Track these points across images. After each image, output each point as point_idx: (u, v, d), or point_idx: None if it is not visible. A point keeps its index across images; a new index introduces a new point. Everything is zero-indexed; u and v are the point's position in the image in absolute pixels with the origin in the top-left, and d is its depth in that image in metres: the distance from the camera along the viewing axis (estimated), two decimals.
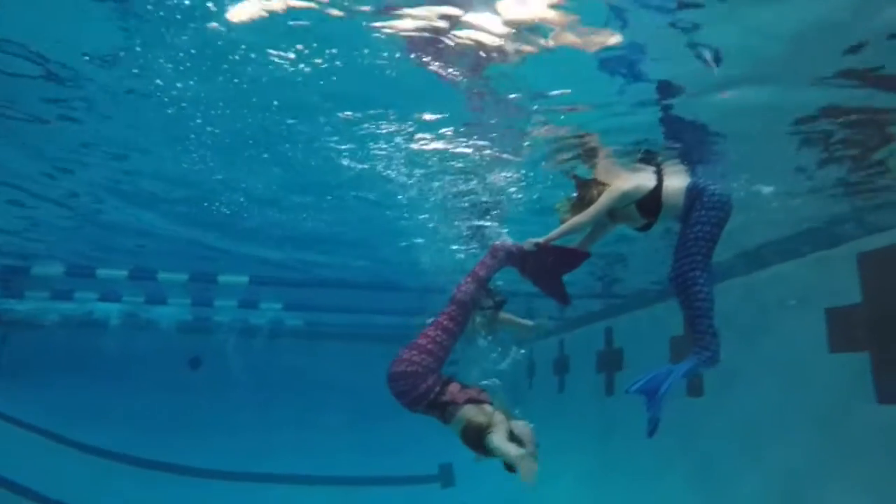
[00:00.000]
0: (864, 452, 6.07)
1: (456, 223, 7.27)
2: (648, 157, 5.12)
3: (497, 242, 4.42)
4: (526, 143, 5.15)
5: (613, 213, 4.46)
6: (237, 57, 4.07)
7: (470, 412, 3.63)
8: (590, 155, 5.22)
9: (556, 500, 10.19)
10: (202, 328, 17.30)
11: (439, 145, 5.25)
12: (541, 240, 4.31)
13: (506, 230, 7.11)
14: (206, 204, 7.59)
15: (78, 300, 13.49)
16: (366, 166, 5.82)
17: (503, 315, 4.68)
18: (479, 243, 7.58)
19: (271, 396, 17.74)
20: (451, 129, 4.97)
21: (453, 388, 3.75)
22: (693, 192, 4.13)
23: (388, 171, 5.88)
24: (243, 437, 16.31)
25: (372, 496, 15.19)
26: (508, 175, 5.86)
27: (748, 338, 7.63)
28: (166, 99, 4.77)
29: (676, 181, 4.36)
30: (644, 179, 4.40)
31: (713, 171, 5.17)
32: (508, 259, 4.31)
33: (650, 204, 4.29)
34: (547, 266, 4.46)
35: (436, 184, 6.15)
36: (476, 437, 3.57)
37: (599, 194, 4.40)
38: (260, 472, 15.31)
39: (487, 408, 3.70)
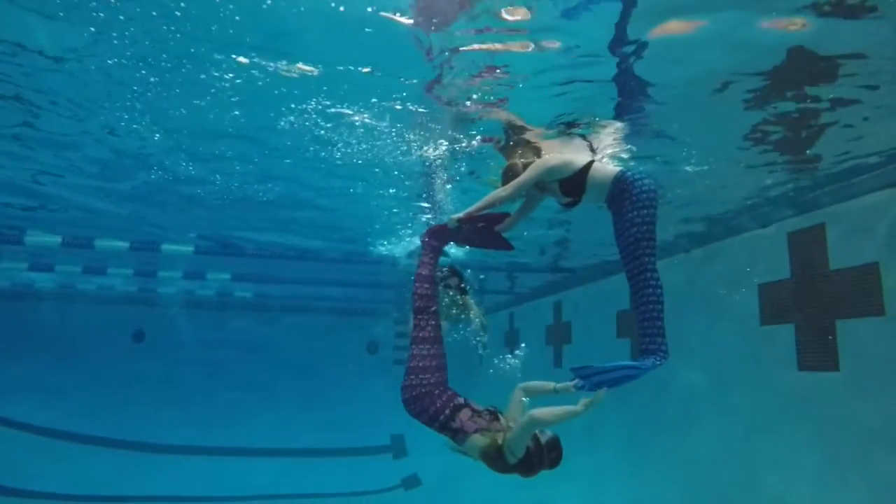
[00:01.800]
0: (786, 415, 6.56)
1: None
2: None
3: (422, 234, 4.42)
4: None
5: (542, 186, 4.46)
6: None
7: (481, 441, 3.63)
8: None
9: None
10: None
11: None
12: (461, 214, 4.32)
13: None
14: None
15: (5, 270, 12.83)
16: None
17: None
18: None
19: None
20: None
21: (463, 415, 3.72)
22: (621, 183, 4.06)
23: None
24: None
25: (325, 467, 15.26)
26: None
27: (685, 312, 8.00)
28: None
29: (607, 166, 4.32)
30: (576, 157, 4.37)
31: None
32: (440, 242, 4.39)
33: (574, 184, 4.28)
34: (479, 230, 4.57)
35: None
36: (497, 458, 3.58)
37: (525, 167, 4.40)
38: (210, 446, 15.14)
39: (498, 424, 3.72)
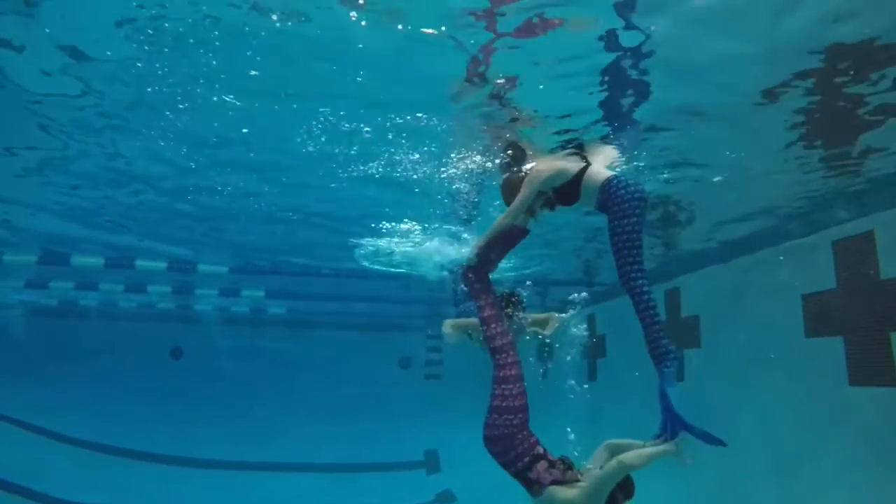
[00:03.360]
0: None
1: None
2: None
3: (457, 275, 4.45)
4: None
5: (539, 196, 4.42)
6: None
7: (561, 494, 3.57)
8: None
9: None
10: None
11: None
12: (476, 248, 4.33)
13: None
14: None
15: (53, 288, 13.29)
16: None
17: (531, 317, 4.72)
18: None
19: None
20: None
21: (540, 466, 3.67)
22: (607, 190, 4.05)
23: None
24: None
25: (359, 482, 15.24)
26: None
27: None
28: None
29: (599, 171, 4.27)
30: (568, 164, 4.35)
31: None
32: (479, 278, 4.36)
33: (569, 191, 4.27)
34: (498, 249, 4.54)
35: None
36: None
37: (521, 179, 4.35)
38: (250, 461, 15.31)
39: (571, 475, 3.66)
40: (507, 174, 4.71)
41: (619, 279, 3.93)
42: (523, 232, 4.55)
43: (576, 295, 8.08)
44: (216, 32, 3.95)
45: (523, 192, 4.22)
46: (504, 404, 3.83)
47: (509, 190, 4.47)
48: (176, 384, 16.99)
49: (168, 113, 5.18)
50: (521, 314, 4.66)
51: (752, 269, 7.98)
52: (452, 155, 5.76)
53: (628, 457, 3.37)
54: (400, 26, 3.79)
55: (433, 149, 5.65)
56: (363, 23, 3.75)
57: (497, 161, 5.80)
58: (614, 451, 3.73)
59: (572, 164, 4.32)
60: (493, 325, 4.11)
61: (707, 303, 8.77)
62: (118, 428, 15.09)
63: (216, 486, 14.01)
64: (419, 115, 4.99)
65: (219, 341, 17.74)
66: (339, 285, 12.87)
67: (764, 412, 7.28)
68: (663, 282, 11.09)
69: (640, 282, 3.77)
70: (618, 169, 5.80)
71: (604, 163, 5.45)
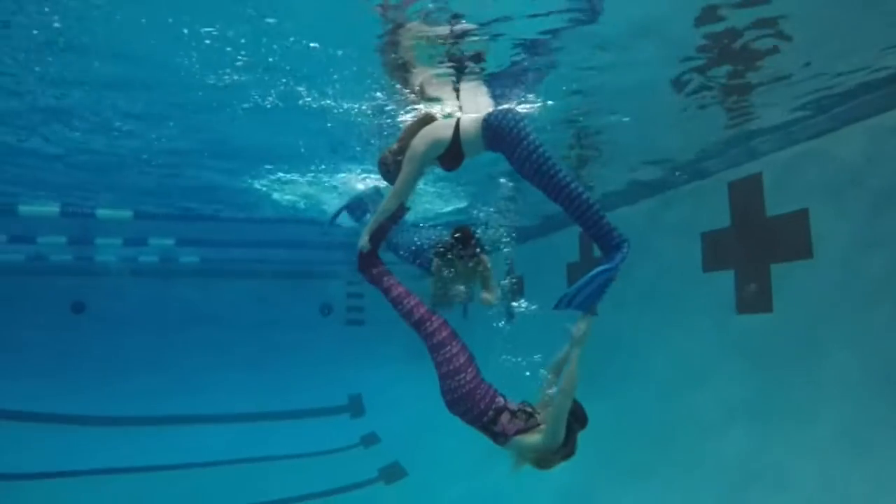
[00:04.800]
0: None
1: None
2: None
3: (358, 272, 4.29)
4: None
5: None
6: None
7: (525, 442, 3.62)
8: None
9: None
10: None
11: None
12: (367, 236, 4.21)
13: None
14: None
15: None
16: None
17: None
18: None
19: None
20: None
21: (503, 418, 3.70)
22: (489, 129, 3.92)
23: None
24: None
25: (283, 430, 15.25)
26: None
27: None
28: None
29: (471, 118, 4.08)
30: (441, 128, 4.13)
31: None
32: (373, 264, 4.31)
33: (453, 154, 4.10)
34: (388, 228, 4.49)
35: None
36: (544, 454, 3.59)
37: (395, 157, 4.20)
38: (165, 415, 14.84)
39: (534, 421, 3.69)
40: (383, 154, 4.40)
41: (548, 196, 3.81)
42: (405, 209, 4.48)
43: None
44: None
45: (406, 171, 4.06)
46: (450, 368, 3.85)
47: (384, 169, 4.33)
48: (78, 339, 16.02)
49: None
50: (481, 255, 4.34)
51: (657, 210, 8.51)
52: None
53: (564, 383, 3.46)
54: None
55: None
56: None
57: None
58: (554, 371, 3.84)
59: (444, 128, 4.11)
60: (404, 302, 4.07)
61: None
62: (13, 389, 14.11)
63: (129, 444, 13.50)
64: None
65: (126, 293, 16.78)
66: (254, 231, 12.41)
67: (666, 340, 7.96)
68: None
69: (573, 185, 3.68)
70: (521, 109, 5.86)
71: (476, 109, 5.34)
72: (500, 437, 3.72)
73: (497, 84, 5.47)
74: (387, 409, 15.57)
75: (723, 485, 6.29)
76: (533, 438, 3.61)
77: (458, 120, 4.09)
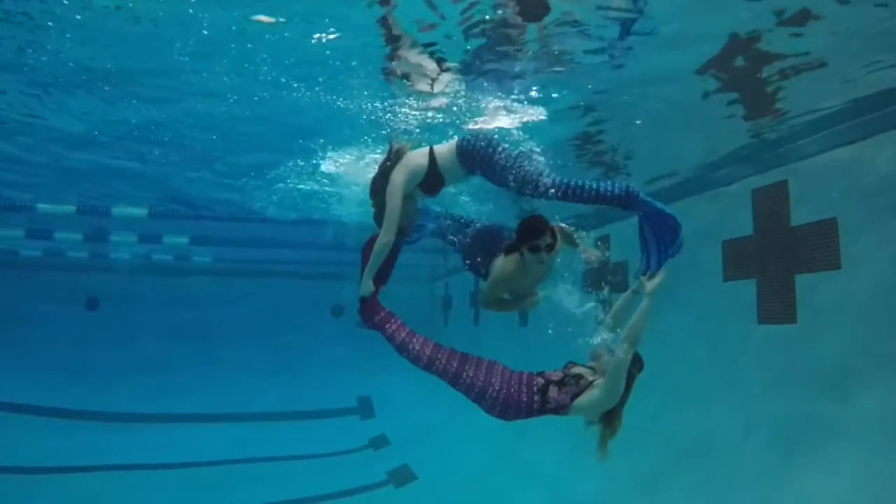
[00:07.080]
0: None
1: None
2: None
3: (365, 326, 4.08)
4: None
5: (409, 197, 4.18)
6: None
7: (583, 403, 3.49)
8: None
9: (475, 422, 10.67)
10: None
11: None
12: (369, 279, 4.08)
13: None
14: None
15: None
16: None
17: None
18: None
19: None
20: None
21: (552, 392, 3.55)
22: (463, 153, 3.96)
23: None
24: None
25: (292, 430, 15.23)
26: None
27: None
28: None
29: (444, 146, 4.12)
30: (415, 160, 4.09)
31: None
32: (377, 311, 4.10)
33: (432, 180, 4.08)
34: (390, 267, 4.33)
35: None
36: (612, 413, 3.51)
37: (382, 178, 4.11)
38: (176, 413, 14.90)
39: (585, 381, 3.56)
40: (373, 176, 4.31)
41: (540, 197, 3.73)
42: (397, 247, 4.28)
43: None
44: None
45: (391, 205, 3.96)
46: (476, 391, 3.69)
47: (373, 191, 4.21)
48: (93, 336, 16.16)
49: None
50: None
51: (679, 216, 8.30)
52: None
53: (630, 332, 3.38)
54: None
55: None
56: None
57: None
58: (616, 320, 3.76)
59: (418, 157, 4.09)
60: (410, 348, 3.85)
61: (635, 248, 9.02)
62: (30, 385, 14.24)
63: (141, 441, 13.57)
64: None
65: (140, 291, 16.91)
66: (268, 231, 12.41)
67: (682, 350, 7.77)
68: (594, 229, 11.45)
69: (556, 180, 3.64)
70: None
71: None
72: (560, 411, 3.57)
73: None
74: (396, 412, 15.51)
75: (743, 501, 6.12)
76: (592, 395, 3.49)
77: (431, 148, 4.11)
